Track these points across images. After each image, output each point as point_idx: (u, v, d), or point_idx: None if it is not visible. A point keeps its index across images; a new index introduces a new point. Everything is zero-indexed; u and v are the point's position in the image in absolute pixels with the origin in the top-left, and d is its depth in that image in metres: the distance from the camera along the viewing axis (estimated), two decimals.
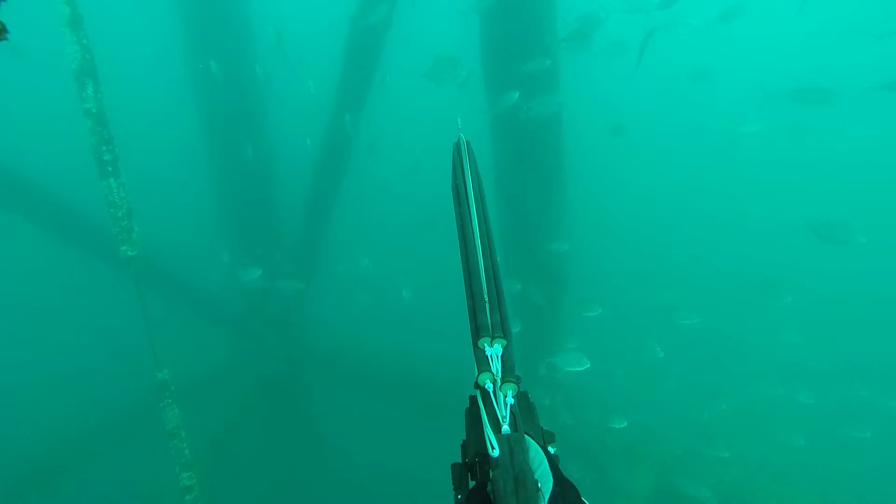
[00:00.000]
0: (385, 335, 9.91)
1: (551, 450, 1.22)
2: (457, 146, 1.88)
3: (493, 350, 1.35)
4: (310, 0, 15.46)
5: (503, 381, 1.27)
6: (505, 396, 1.22)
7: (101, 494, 7.42)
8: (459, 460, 1.25)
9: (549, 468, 1.08)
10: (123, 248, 5.65)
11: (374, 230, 12.26)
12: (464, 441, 1.28)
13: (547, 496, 1.03)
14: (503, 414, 1.18)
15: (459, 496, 1.19)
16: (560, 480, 1.08)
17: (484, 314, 1.43)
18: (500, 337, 1.38)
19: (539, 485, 1.02)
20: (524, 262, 7.07)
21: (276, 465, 9.51)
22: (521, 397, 1.30)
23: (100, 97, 4.98)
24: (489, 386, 1.26)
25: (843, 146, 13.70)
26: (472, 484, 1.18)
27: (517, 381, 1.28)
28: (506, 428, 1.15)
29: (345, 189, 8.80)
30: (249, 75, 8.40)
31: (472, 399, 1.31)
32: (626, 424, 6.77)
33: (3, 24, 0.72)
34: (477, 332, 1.39)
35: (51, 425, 8.17)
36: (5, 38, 0.74)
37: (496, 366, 1.31)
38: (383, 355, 9.20)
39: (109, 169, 5.25)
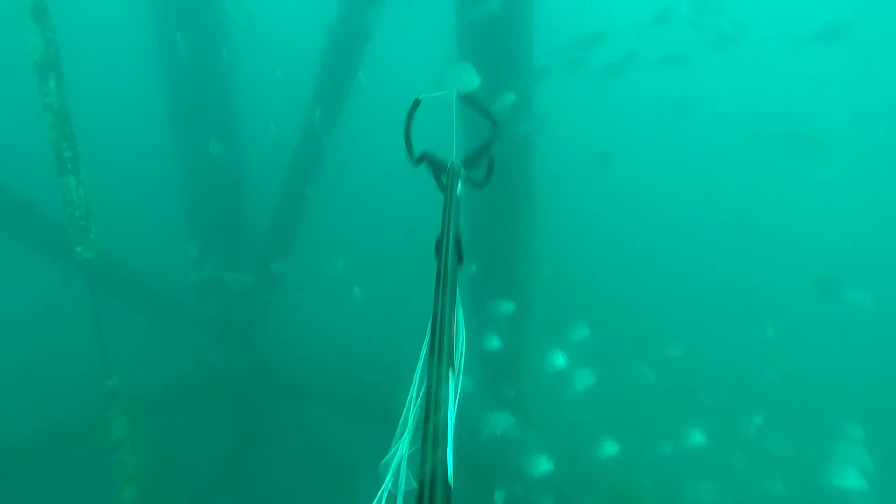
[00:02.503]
0: (349, 346, 9.76)
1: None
2: (448, 174, 1.76)
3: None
4: None
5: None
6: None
7: None
8: None
9: None
10: (79, 248, 5.44)
11: (348, 236, 12.10)
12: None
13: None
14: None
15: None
16: None
17: None
18: None
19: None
20: (489, 283, 7.08)
21: (229, 481, 9.20)
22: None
23: (62, 92, 4.81)
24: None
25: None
26: None
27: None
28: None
29: (317, 192, 8.71)
30: (218, 64, 8.30)
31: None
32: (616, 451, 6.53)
33: None
34: None
35: None
36: None
37: None
38: (346, 368, 9.04)
39: (69, 166, 5.07)
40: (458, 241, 1.45)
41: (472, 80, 5.72)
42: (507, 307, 6.68)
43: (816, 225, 13.79)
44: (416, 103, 2.00)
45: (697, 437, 7.39)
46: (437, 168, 1.84)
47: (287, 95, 8.57)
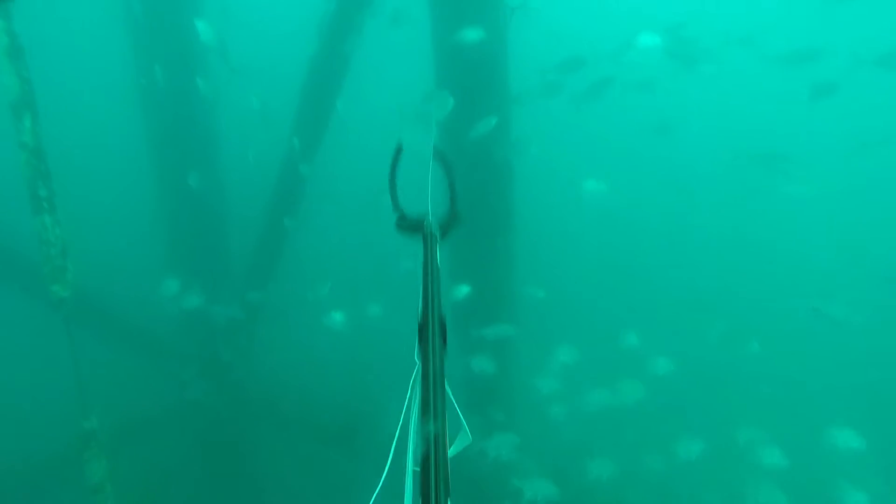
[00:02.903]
0: (333, 378, 9.64)
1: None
2: (425, 234, 1.70)
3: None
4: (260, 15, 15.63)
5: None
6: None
7: None
8: None
9: None
10: (55, 287, 5.33)
11: (329, 264, 12.03)
12: None
13: None
14: None
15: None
16: None
17: None
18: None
19: None
20: (474, 307, 7.08)
21: None
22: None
23: (37, 130, 4.78)
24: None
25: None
26: None
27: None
28: None
29: (295, 222, 8.69)
30: (196, 95, 8.32)
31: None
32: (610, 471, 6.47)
33: None
34: None
35: None
36: None
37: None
38: (332, 397, 8.92)
39: (45, 205, 5.00)
40: (442, 324, 1.34)
41: (445, 107, 5.80)
42: (493, 330, 6.68)
43: (797, 238, 14.13)
44: (399, 150, 2.06)
45: (691, 453, 7.42)
46: (412, 229, 1.80)
47: (265, 125, 8.60)
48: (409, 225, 1.88)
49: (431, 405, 1.10)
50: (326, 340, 9.36)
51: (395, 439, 1.21)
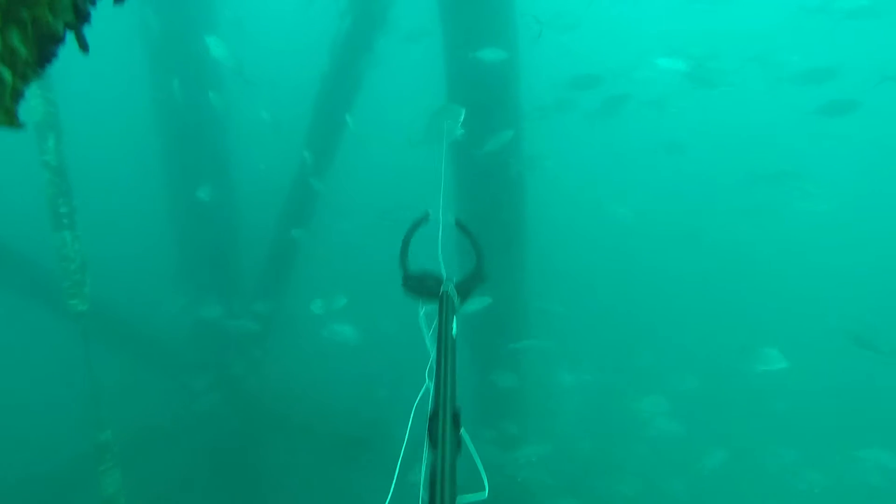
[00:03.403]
0: (344, 390, 9.66)
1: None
2: (443, 302, 1.50)
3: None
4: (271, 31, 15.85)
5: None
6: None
7: None
8: None
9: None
10: (73, 302, 5.42)
11: (340, 278, 12.07)
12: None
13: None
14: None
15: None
16: None
17: None
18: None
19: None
20: (487, 322, 7.09)
21: None
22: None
23: (61, 150, 4.89)
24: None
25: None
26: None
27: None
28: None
29: (305, 234, 8.76)
30: (210, 110, 8.43)
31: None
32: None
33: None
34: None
35: None
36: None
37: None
38: (342, 413, 8.94)
39: (65, 221, 5.10)
40: (456, 416, 1.14)
41: (457, 126, 5.80)
42: (507, 345, 6.68)
43: (810, 252, 14.02)
44: (423, 218, 1.95)
45: (714, 464, 7.37)
46: (428, 294, 1.58)
47: (277, 138, 8.70)
48: (421, 287, 1.65)
49: None
50: (337, 353, 9.39)
51: None
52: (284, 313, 9.55)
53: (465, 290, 1.68)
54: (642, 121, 10.90)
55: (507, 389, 6.70)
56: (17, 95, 0.64)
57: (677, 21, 16.05)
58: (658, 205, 13.93)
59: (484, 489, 1.16)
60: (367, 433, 8.50)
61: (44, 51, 0.64)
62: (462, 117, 5.73)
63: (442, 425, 1.09)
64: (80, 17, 0.72)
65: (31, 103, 4.61)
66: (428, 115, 6.32)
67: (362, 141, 9.03)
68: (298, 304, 9.75)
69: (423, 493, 1.09)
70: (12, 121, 0.65)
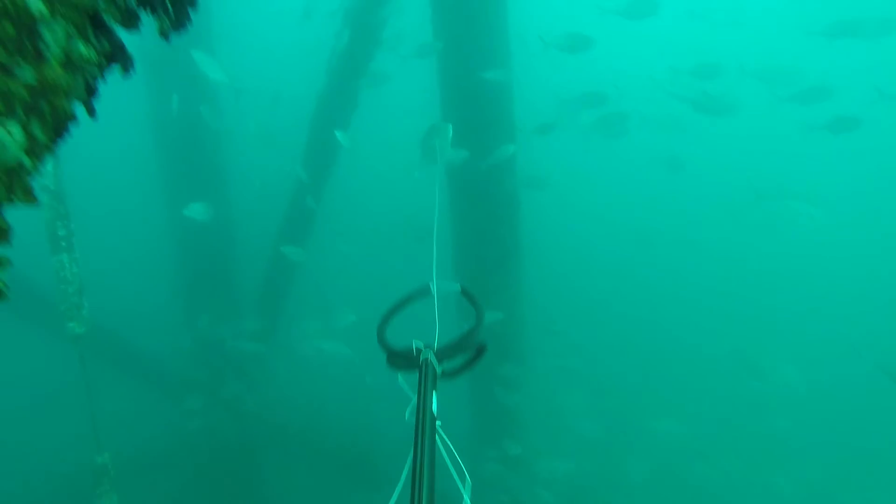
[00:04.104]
0: (342, 408, 9.61)
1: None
2: (423, 369, 1.37)
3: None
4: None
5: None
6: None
7: None
8: None
9: None
10: (71, 324, 5.42)
11: (340, 294, 12.05)
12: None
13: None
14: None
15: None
16: None
17: None
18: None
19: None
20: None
21: None
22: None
23: (59, 173, 4.92)
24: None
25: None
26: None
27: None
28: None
29: (297, 251, 8.77)
30: (206, 128, 8.45)
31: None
32: None
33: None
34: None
35: None
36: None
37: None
38: (340, 431, 8.90)
39: (63, 244, 5.12)
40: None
41: (447, 143, 5.82)
42: (505, 366, 6.69)
43: (815, 267, 14.09)
44: (422, 292, 1.80)
45: (724, 482, 7.31)
46: (407, 366, 1.43)
47: (274, 155, 8.75)
48: (407, 362, 1.46)
49: None
50: (335, 371, 9.39)
51: None
52: (282, 332, 9.54)
53: (449, 357, 1.49)
54: (643, 138, 10.95)
55: (509, 407, 6.69)
56: (34, 175, 0.68)
57: (680, 39, 16.15)
58: (663, 220, 13.99)
59: None
60: (365, 450, 8.46)
61: (59, 132, 0.68)
62: (450, 134, 5.77)
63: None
64: (91, 94, 0.76)
65: None
66: (420, 137, 6.40)
67: (357, 157, 9.09)
68: (295, 323, 9.76)
69: None
70: (29, 199, 0.68)
